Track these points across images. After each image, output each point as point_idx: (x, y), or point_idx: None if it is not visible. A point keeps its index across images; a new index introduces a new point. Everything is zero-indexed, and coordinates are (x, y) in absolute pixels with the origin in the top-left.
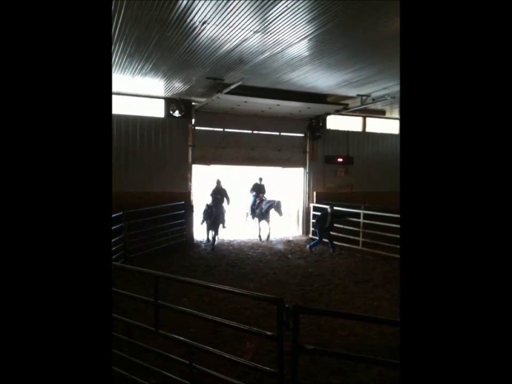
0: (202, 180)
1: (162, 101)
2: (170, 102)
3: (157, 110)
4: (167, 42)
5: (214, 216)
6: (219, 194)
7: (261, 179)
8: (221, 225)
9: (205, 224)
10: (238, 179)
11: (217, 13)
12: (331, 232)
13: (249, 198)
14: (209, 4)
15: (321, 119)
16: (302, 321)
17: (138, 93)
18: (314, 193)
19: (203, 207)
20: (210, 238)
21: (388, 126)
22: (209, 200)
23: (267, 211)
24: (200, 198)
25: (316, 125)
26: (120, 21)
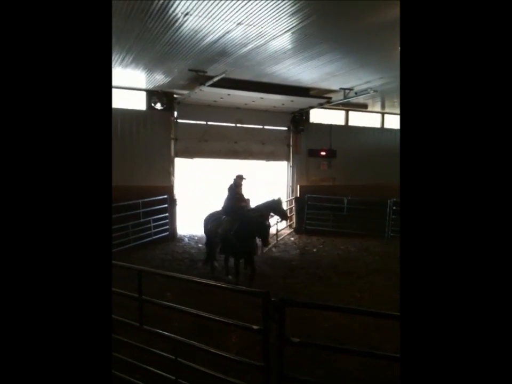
0: (185, 173)
1: (144, 93)
2: (152, 95)
3: (138, 102)
4: (149, 33)
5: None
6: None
7: (240, 178)
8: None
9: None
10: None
11: (200, 4)
12: None
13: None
14: None
15: (305, 112)
16: (286, 313)
17: (119, 84)
18: (298, 186)
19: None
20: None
21: (370, 119)
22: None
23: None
24: (182, 192)
25: (299, 119)
26: None
